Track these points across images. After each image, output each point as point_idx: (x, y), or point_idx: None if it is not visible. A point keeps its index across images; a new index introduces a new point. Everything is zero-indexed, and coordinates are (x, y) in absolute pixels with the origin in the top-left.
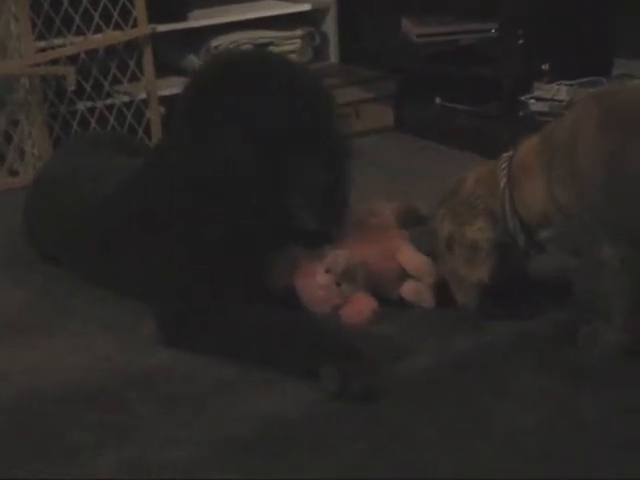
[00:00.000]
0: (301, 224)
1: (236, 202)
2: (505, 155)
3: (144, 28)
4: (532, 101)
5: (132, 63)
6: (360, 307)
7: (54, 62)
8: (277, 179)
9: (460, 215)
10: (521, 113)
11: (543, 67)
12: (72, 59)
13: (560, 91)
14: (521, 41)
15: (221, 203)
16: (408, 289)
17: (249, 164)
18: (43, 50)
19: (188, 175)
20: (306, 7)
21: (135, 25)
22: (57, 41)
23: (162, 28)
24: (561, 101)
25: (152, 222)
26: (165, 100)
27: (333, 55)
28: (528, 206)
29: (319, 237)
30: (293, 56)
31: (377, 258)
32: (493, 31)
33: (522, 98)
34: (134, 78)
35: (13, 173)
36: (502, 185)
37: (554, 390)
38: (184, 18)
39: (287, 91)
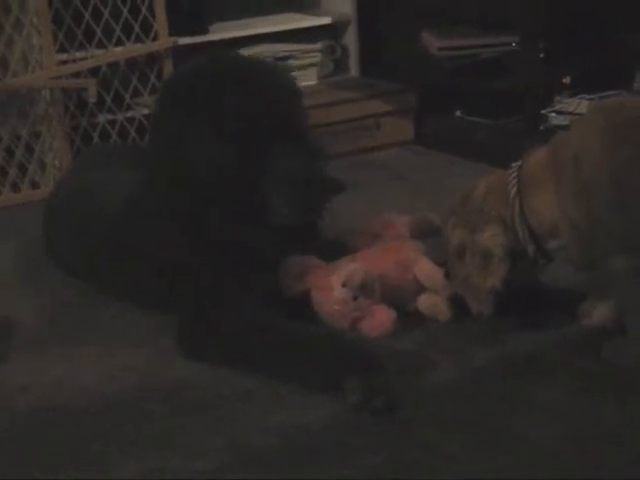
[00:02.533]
0: (278, 218)
1: (221, 203)
2: (514, 165)
3: (165, 41)
4: (553, 115)
5: (153, 76)
6: (380, 319)
7: (75, 75)
8: (255, 173)
9: (471, 223)
10: (542, 127)
11: (564, 81)
12: (93, 72)
13: (581, 105)
14: (542, 55)
15: (209, 205)
16: (424, 302)
17: (229, 161)
18: (64, 63)
19: (169, 179)
20: (327, 20)
21: (156, 38)
22: (78, 54)
23: (183, 41)
24: (582, 115)
25: (162, 233)
26: None
27: (354, 68)
28: (537, 216)
29: (305, 236)
30: (314, 69)
31: (393, 271)
32: (514, 44)
33: (543, 112)
34: (155, 91)
35: (34, 185)
36: (512, 194)
37: (576, 403)
38: (205, 31)
39: (252, 84)
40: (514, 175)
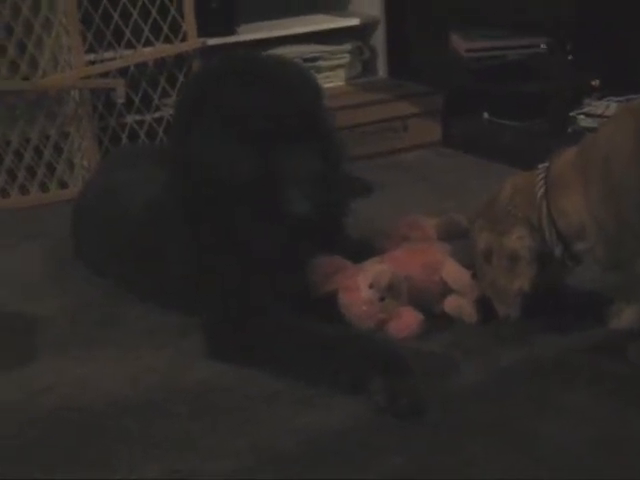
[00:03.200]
0: (296, 210)
1: (246, 203)
2: (542, 166)
3: (194, 42)
4: (581, 117)
5: (181, 76)
6: (407, 321)
7: (104, 75)
8: (278, 173)
9: (498, 225)
10: (570, 129)
11: (593, 83)
12: (122, 72)
13: (610, 107)
14: (570, 57)
15: (234, 206)
16: (451, 304)
17: (251, 162)
18: (93, 63)
19: (193, 182)
20: (355, 22)
21: (185, 39)
22: (107, 54)
23: (211, 42)
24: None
25: (187, 234)
26: None
27: (382, 70)
28: (565, 218)
29: (331, 236)
30: (342, 70)
31: (420, 272)
32: (542, 46)
33: (571, 114)
34: None
35: (63, 185)
36: (539, 195)
37: (602, 405)
38: (233, 32)
39: (271, 85)
40: (541, 176)
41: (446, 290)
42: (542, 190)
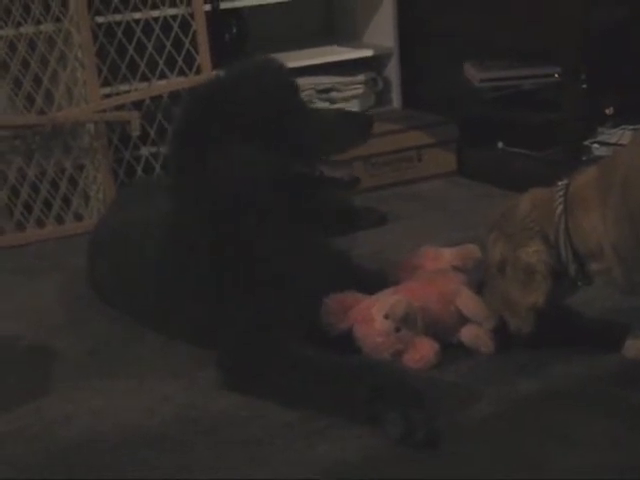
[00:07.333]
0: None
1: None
2: (561, 183)
3: (208, 75)
4: (596, 146)
5: None
6: (423, 351)
7: (119, 108)
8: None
9: (514, 238)
10: (584, 158)
11: (607, 111)
12: (137, 105)
13: (624, 135)
14: (584, 85)
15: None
16: (467, 334)
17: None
18: (108, 96)
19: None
20: (369, 53)
21: (199, 72)
22: (122, 87)
23: None
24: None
25: (202, 265)
26: None
27: (395, 100)
28: (582, 237)
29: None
30: (356, 101)
31: (436, 302)
32: (556, 76)
33: (586, 143)
34: None
35: (78, 218)
36: (558, 212)
37: (619, 436)
38: None
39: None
40: (561, 193)
41: (462, 320)
42: (561, 207)
